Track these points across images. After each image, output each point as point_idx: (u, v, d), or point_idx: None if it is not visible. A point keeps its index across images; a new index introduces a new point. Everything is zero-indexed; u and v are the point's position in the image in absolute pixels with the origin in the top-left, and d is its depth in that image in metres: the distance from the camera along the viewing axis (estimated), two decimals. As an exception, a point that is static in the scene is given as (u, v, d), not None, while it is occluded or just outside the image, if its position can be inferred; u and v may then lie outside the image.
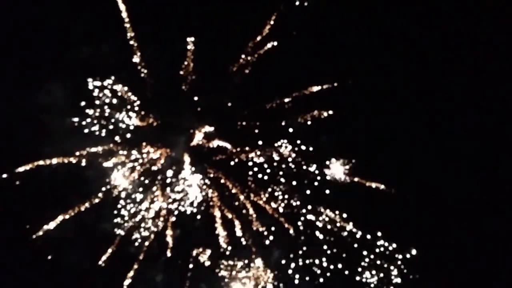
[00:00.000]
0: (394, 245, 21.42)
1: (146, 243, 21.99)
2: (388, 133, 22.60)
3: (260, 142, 21.63)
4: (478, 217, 23.05)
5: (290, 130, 21.63)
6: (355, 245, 21.60)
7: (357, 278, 21.44)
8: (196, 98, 21.71)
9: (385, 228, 21.54)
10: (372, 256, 21.43)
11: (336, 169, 21.47)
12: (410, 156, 22.72)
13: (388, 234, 21.46)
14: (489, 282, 22.73)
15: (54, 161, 20.22)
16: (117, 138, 21.17)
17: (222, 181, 21.86)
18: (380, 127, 22.50)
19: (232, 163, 21.45)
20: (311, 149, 21.50)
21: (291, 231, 21.39)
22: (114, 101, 21.07)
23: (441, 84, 22.42)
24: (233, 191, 21.82)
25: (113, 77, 21.02)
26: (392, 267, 21.36)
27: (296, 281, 21.31)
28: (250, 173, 21.79)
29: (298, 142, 21.50)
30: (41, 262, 21.31)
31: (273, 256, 21.52)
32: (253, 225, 21.78)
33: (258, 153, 21.26)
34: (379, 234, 21.37)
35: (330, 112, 21.82)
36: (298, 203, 21.40)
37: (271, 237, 21.47)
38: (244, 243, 21.65)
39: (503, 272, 22.67)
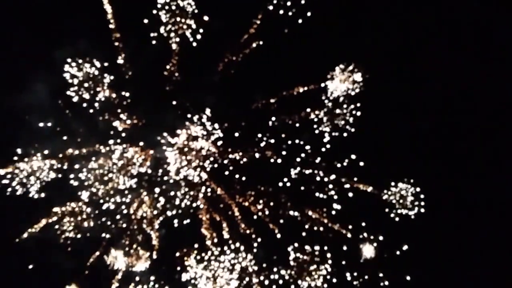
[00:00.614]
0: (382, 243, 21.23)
1: (133, 245, 21.84)
2: (378, 132, 22.42)
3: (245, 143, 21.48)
4: (471, 217, 22.98)
5: (276, 130, 21.48)
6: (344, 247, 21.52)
7: (347, 277, 21.30)
8: (181, 99, 21.55)
9: (373, 228, 21.47)
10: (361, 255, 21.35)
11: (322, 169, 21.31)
12: (399, 155, 22.63)
13: (376, 233, 21.35)
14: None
15: (37, 163, 20.15)
16: (101, 139, 21.04)
17: (208, 182, 21.66)
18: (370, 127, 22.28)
19: (216, 164, 21.20)
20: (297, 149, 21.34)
21: (276, 231, 21.27)
22: (98, 102, 20.96)
23: (426, 84, 22.30)
24: (219, 191, 21.69)
25: (97, 78, 20.85)
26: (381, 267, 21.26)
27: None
28: (236, 174, 21.68)
29: (284, 143, 21.32)
30: (27, 265, 21.34)
31: (259, 257, 21.31)
32: (239, 226, 21.65)
33: (241, 154, 21.08)
34: (366, 234, 21.27)
35: (317, 112, 21.64)
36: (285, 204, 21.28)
37: (255, 237, 21.34)
38: (230, 243, 21.41)
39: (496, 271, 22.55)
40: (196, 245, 21.39)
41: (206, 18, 20.80)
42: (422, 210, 21.55)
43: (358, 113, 21.44)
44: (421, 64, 22.65)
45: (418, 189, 21.60)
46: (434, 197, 22.03)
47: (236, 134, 21.32)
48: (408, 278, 21.44)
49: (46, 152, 20.34)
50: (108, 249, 21.61)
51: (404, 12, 22.39)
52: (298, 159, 21.08)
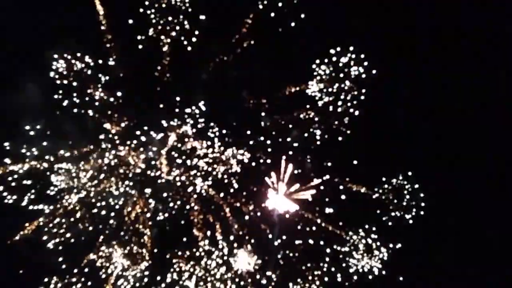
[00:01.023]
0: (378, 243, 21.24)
1: (127, 246, 21.86)
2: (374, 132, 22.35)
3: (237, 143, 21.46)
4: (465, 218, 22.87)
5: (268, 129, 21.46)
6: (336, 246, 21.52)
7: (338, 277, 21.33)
8: (172, 99, 21.52)
9: (366, 227, 21.48)
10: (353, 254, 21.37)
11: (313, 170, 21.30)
12: (392, 154, 22.56)
13: (369, 233, 21.38)
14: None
15: (27, 164, 20.21)
16: (92, 140, 21.07)
17: (201, 183, 21.63)
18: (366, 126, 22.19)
19: (209, 165, 21.18)
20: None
21: (268, 231, 21.31)
22: (90, 103, 20.98)
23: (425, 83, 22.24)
24: (211, 192, 21.70)
25: (88, 80, 20.88)
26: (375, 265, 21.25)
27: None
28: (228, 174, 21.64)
29: (275, 142, 21.31)
30: (19, 268, 21.40)
31: (252, 257, 21.31)
32: (232, 226, 21.67)
33: (233, 153, 21.07)
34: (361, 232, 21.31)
35: (309, 112, 21.60)
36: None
37: (248, 238, 21.33)
38: (224, 244, 21.44)
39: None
40: (188, 246, 21.37)
41: (197, 18, 20.81)
42: (422, 212, 21.53)
43: (356, 113, 21.35)
44: (419, 62, 22.57)
45: (416, 186, 21.61)
46: (431, 196, 22.03)
47: (228, 134, 21.27)
48: (401, 278, 21.45)
49: (37, 153, 20.34)
50: (102, 250, 21.67)
51: (401, 12, 22.30)
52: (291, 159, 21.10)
